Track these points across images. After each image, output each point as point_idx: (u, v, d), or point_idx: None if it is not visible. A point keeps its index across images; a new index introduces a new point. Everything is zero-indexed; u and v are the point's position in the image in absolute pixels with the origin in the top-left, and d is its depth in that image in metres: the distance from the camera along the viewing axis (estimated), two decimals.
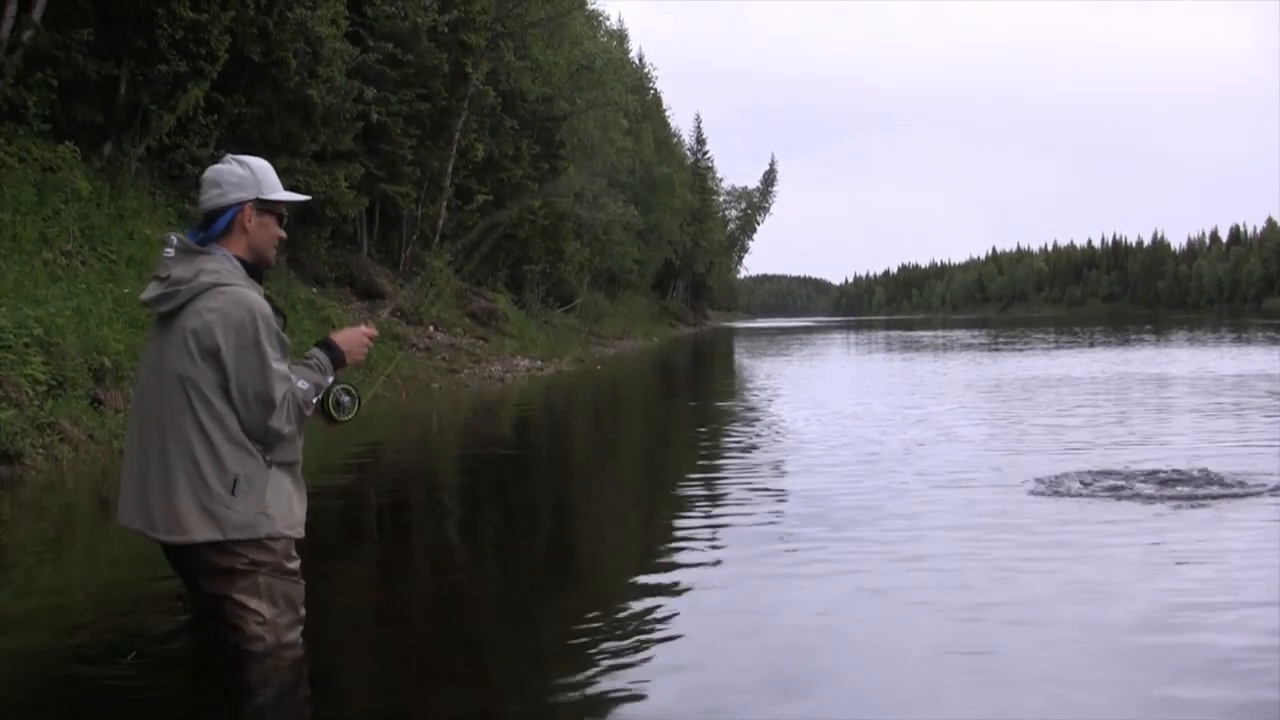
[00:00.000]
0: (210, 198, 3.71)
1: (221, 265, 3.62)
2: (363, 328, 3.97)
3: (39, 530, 6.85)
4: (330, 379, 3.80)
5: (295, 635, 3.72)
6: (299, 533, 3.73)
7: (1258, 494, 6.74)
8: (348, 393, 3.86)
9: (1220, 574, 4.99)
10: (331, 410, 3.82)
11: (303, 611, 3.75)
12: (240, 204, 3.69)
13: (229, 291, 3.55)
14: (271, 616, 3.64)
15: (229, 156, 3.83)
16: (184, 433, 3.52)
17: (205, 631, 3.85)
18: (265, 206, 3.75)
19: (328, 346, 3.83)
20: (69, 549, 6.40)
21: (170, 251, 3.64)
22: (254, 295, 3.61)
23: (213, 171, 3.77)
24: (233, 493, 3.53)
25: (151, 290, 3.63)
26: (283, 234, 3.85)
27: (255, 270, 3.75)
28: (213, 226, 3.70)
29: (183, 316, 3.56)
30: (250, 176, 3.73)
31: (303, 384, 3.65)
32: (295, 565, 3.73)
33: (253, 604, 3.61)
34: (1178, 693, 3.54)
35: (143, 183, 15.85)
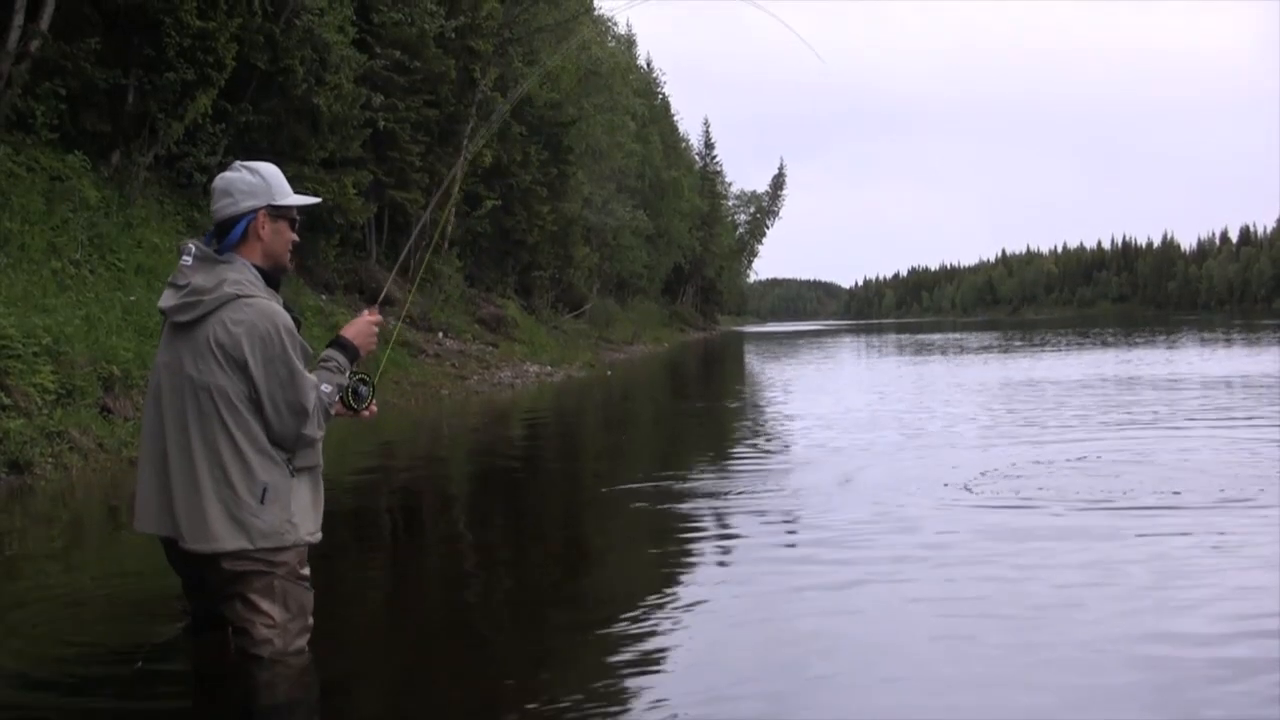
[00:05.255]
0: (222, 206, 3.67)
1: (243, 275, 3.59)
2: (366, 315, 3.95)
3: (48, 539, 6.82)
4: (348, 376, 3.81)
5: (303, 642, 3.69)
6: (317, 537, 3.73)
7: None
8: (364, 382, 3.89)
9: (1222, 590, 4.93)
10: (352, 403, 3.84)
11: (311, 620, 3.73)
12: (253, 211, 3.66)
13: (254, 304, 3.53)
14: (282, 620, 3.61)
15: (238, 164, 3.78)
16: (213, 442, 3.50)
17: (211, 639, 3.82)
18: (278, 212, 3.71)
19: (340, 345, 3.83)
20: (78, 558, 6.37)
21: (188, 259, 3.60)
22: (276, 307, 3.60)
23: (223, 180, 3.73)
24: (261, 501, 3.52)
25: (169, 298, 3.60)
26: (296, 238, 3.82)
27: (272, 278, 3.73)
28: (228, 236, 3.66)
29: (206, 326, 3.52)
30: (261, 183, 3.69)
31: (326, 388, 3.67)
32: (307, 572, 3.71)
33: (264, 605, 3.58)
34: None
35: (151, 191, 15.86)
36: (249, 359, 3.49)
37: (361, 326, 3.90)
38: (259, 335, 3.50)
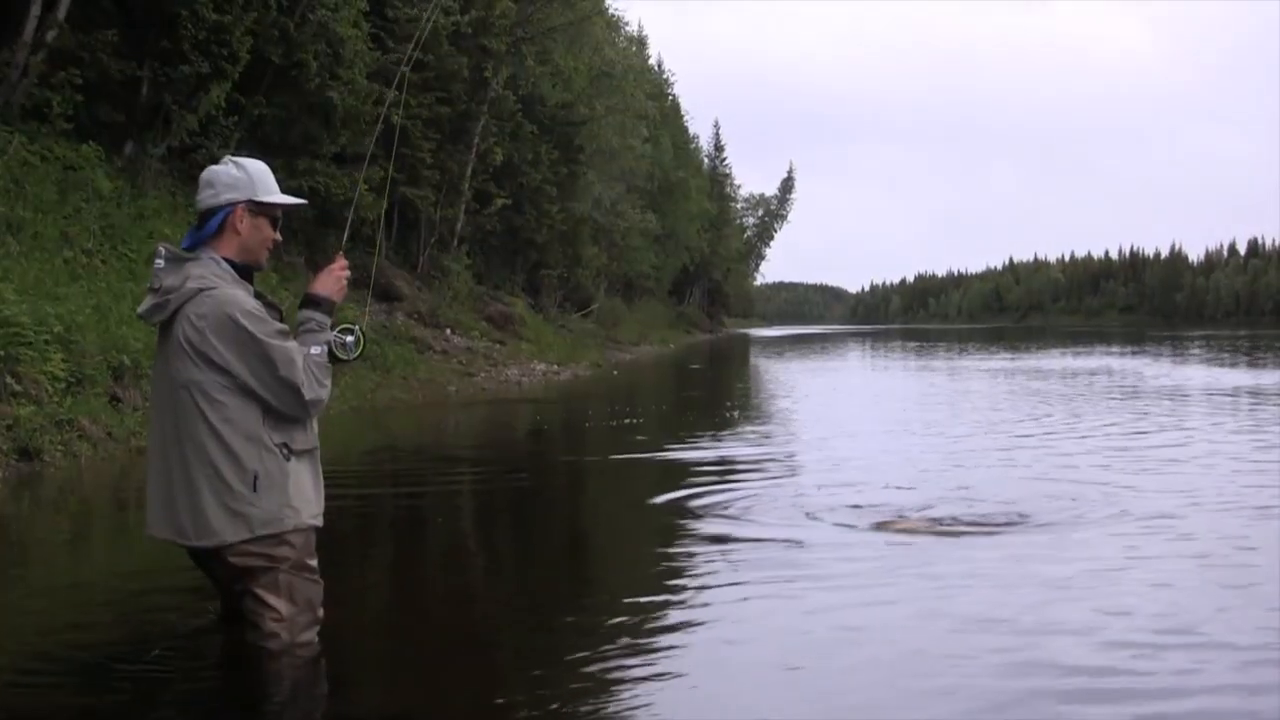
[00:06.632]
0: (204, 198, 3.74)
1: (206, 269, 3.63)
2: (333, 267, 3.93)
3: (57, 527, 6.86)
4: (331, 330, 3.82)
5: (311, 635, 3.73)
6: (319, 521, 3.76)
7: None
8: (349, 331, 3.89)
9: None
10: (338, 353, 3.83)
11: (320, 612, 3.77)
12: (232, 205, 3.70)
13: (213, 295, 3.57)
14: (289, 615, 3.66)
15: (227, 158, 3.84)
16: (198, 438, 3.56)
17: (223, 630, 3.87)
18: (259, 209, 3.75)
19: (314, 303, 3.82)
20: (87, 546, 6.41)
21: (160, 263, 3.66)
22: (237, 293, 3.62)
23: (208, 172, 3.79)
24: (254, 489, 3.56)
25: (145, 304, 3.67)
26: (277, 237, 3.85)
27: (246, 271, 3.76)
28: (205, 227, 3.71)
29: (177, 324, 3.58)
30: (244, 178, 3.73)
31: (314, 349, 3.69)
32: (314, 563, 3.75)
33: (271, 600, 3.63)
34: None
35: (163, 183, 15.89)
36: (217, 348, 3.53)
37: (328, 279, 3.89)
38: (220, 324, 3.54)
